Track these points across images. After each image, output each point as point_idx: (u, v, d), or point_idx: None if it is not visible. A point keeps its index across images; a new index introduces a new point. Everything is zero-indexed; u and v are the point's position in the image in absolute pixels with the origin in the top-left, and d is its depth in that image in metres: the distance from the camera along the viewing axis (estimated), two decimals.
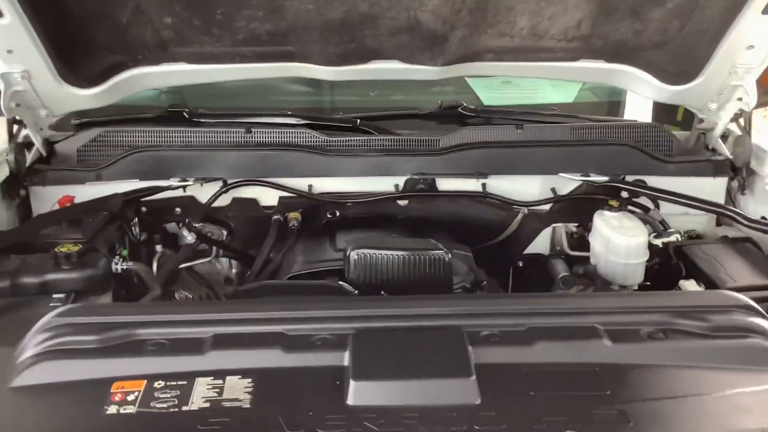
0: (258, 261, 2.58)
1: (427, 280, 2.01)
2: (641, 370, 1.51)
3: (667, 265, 2.43)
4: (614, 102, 3.72)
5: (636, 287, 2.41)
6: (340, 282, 2.07)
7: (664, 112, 3.53)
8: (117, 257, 2.23)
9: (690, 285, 2.20)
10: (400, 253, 2.00)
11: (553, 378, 1.48)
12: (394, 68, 2.56)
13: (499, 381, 1.47)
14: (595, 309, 1.66)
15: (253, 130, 2.64)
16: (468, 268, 2.33)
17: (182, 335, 1.57)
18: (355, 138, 2.67)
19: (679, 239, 2.51)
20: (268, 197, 2.68)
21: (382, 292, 2.03)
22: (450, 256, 2.02)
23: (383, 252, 2.01)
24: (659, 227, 2.61)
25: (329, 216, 2.73)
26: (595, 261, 2.50)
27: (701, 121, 2.81)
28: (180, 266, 2.55)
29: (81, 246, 2.14)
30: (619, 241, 2.38)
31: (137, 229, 2.52)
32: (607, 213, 2.50)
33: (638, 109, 3.69)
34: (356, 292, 2.04)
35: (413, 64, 2.54)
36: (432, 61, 2.51)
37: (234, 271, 2.88)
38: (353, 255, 2.01)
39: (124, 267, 2.22)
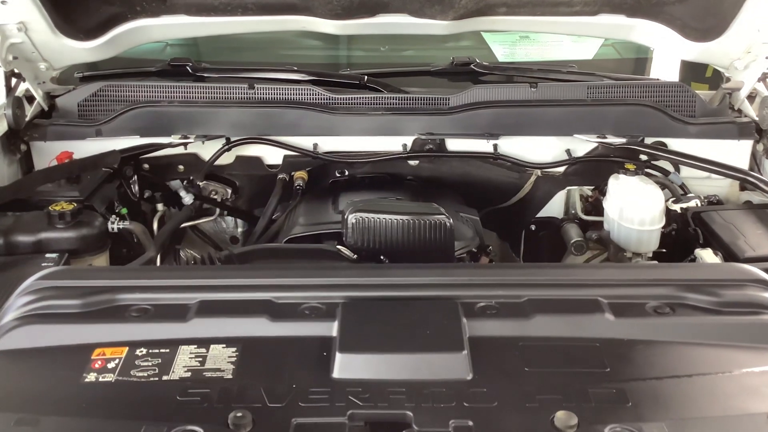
0: (261, 221, 2.54)
1: (428, 246, 1.93)
2: (644, 347, 1.43)
3: (685, 232, 2.33)
4: (640, 59, 3.55)
5: (650, 255, 2.32)
6: (338, 246, 2.01)
7: (692, 68, 3.38)
8: (114, 216, 2.19)
9: (706, 254, 2.09)
10: (400, 217, 1.92)
11: (550, 353, 1.41)
12: (402, 22, 2.46)
13: (493, 356, 1.40)
14: (599, 281, 1.58)
15: (257, 86, 2.55)
16: (473, 233, 2.25)
17: (167, 301, 1.52)
18: (362, 96, 2.57)
19: (699, 204, 2.39)
20: (272, 156, 2.61)
21: (382, 257, 1.96)
22: (452, 221, 1.94)
23: (382, 216, 1.93)
24: (678, 192, 2.50)
25: (338, 175, 2.66)
26: (608, 226, 2.41)
27: (727, 80, 2.68)
28: (181, 226, 2.50)
29: (75, 204, 2.09)
30: (633, 207, 2.28)
31: (136, 187, 2.46)
32: (622, 176, 2.40)
33: (666, 65, 3.54)
34: (355, 256, 1.97)
35: (422, 18, 2.43)
36: (442, 15, 2.40)
37: (240, 230, 2.84)
38: (351, 218, 1.93)
39: (121, 226, 2.17)
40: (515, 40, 3.14)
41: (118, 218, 2.18)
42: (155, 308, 1.50)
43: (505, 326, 1.46)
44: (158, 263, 2.21)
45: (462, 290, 1.54)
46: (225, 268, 1.78)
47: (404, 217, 1.92)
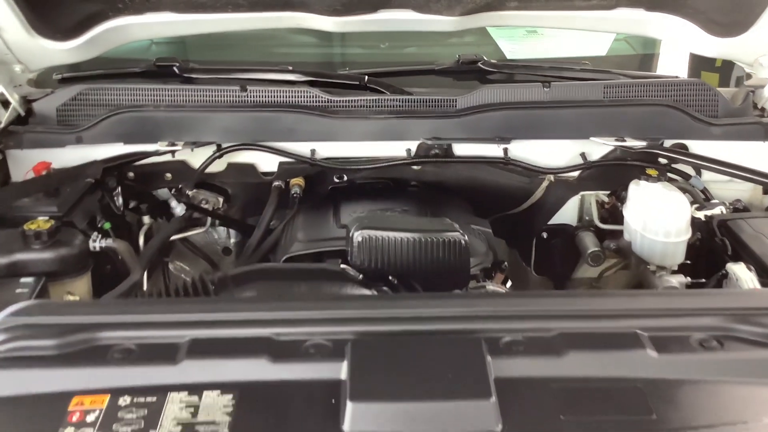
0: (256, 233, 2.37)
1: (441, 266, 1.77)
2: (693, 388, 1.27)
3: (710, 242, 2.18)
4: (647, 55, 3.37)
5: (676, 268, 2.17)
6: (343, 266, 1.84)
7: (701, 58, 3.22)
8: (95, 234, 2.01)
9: (740, 269, 1.93)
10: (410, 235, 1.76)
11: (587, 397, 1.25)
12: (405, 19, 2.29)
13: (524, 401, 1.24)
14: (636, 311, 1.41)
15: (249, 88, 2.37)
16: (487, 247, 2.09)
17: (154, 340, 1.35)
18: (363, 98, 2.39)
19: (724, 211, 2.24)
20: (266, 162, 2.44)
21: (391, 278, 1.80)
22: (467, 238, 1.77)
23: (391, 234, 1.76)
24: (700, 197, 2.35)
25: (336, 180, 2.50)
26: (629, 237, 2.25)
27: (748, 77, 2.52)
28: (170, 239, 2.33)
29: (53, 222, 1.91)
30: (657, 217, 2.12)
31: (120, 200, 2.28)
32: (644, 183, 2.24)
33: (674, 57, 3.37)
34: (360, 276, 1.80)
35: (427, 14, 2.26)
36: (448, 11, 2.23)
37: (233, 240, 2.66)
38: (357, 236, 1.77)
39: (103, 245, 2.00)
40: (523, 36, 2.97)
41: (100, 236, 2.01)
42: (141, 348, 1.33)
43: (535, 365, 1.30)
44: (145, 283, 2.05)
45: (484, 323, 1.38)
46: (218, 301, 1.60)
47: (415, 235, 1.76)
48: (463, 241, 1.77)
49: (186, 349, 1.32)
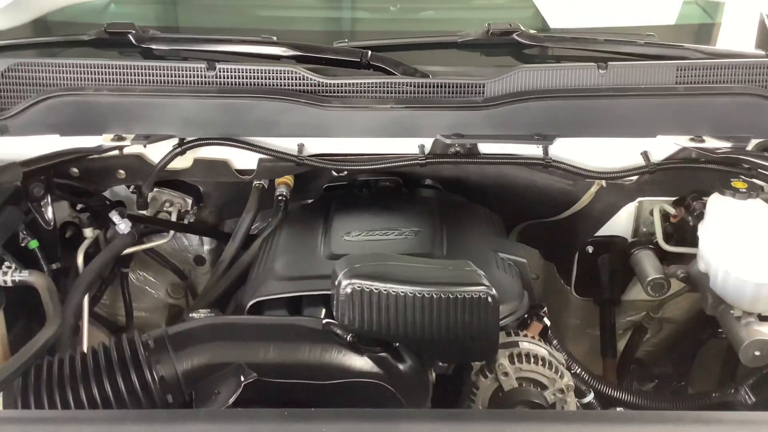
0: (230, 247, 1.93)
1: (460, 331, 1.29)
2: None
3: None
4: (704, 24, 2.73)
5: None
6: (327, 320, 1.36)
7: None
8: (6, 265, 1.54)
9: None
10: (418, 289, 1.27)
11: None
12: None
13: None
14: None
15: (219, 66, 1.85)
16: (521, 288, 1.59)
17: None
18: (364, 80, 1.84)
19: None
20: (243, 158, 1.94)
21: (396, 345, 1.33)
22: (495, 294, 1.28)
23: (391, 287, 1.27)
24: None
25: (335, 174, 2.02)
26: (705, 268, 1.74)
27: None
28: (123, 253, 1.87)
29: None
30: (749, 250, 1.61)
31: (50, 212, 1.79)
32: (729, 198, 1.72)
33: (738, 25, 2.77)
34: (349, 337, 1.33)
35: None
36: None
37: (206, 248, 2.21)
38: (346, 287, 1.29)
39: (16, 279, 1.53)
40: None
41: (12, 267, 1.54)
42: None
43: None
44: (85, 329, 1.61)
45: None
46: (118, 419, 1.09)
47: (425, 290, 1.27)
48: (490, 298, 1.28)
49: None
